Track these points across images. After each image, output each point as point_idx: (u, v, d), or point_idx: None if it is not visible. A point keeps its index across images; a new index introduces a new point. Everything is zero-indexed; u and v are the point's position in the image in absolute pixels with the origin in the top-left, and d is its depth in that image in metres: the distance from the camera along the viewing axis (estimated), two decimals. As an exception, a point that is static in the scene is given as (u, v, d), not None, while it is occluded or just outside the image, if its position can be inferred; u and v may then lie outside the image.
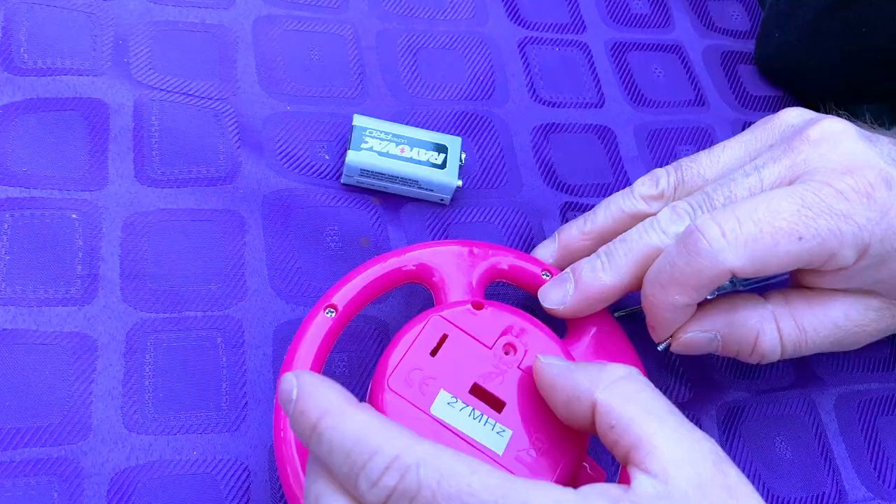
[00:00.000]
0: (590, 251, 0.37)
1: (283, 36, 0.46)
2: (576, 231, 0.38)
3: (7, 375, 0.34)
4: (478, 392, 0.31)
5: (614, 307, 0.37)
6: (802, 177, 0.33)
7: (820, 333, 0.35)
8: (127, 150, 0.40)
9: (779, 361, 0.42)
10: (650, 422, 0.26)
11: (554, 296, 0.36)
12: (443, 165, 0.41)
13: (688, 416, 0.30)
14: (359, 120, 0.42)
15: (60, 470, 0.33)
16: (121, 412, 0.34)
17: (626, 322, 0.38)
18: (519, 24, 0.50)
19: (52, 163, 0.39)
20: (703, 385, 0.41)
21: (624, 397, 0.27)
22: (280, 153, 0.42)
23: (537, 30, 0.51)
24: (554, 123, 0.47)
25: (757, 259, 0.31)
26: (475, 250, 0.37)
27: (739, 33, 0.54)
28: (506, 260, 0.37)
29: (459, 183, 0.41)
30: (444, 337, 0.32)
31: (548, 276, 0.37)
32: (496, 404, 0.31)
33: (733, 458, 0.39)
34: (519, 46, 0.49)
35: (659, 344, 0.36)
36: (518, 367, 0.32)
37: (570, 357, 0.32)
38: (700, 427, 0.39)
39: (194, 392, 0.35)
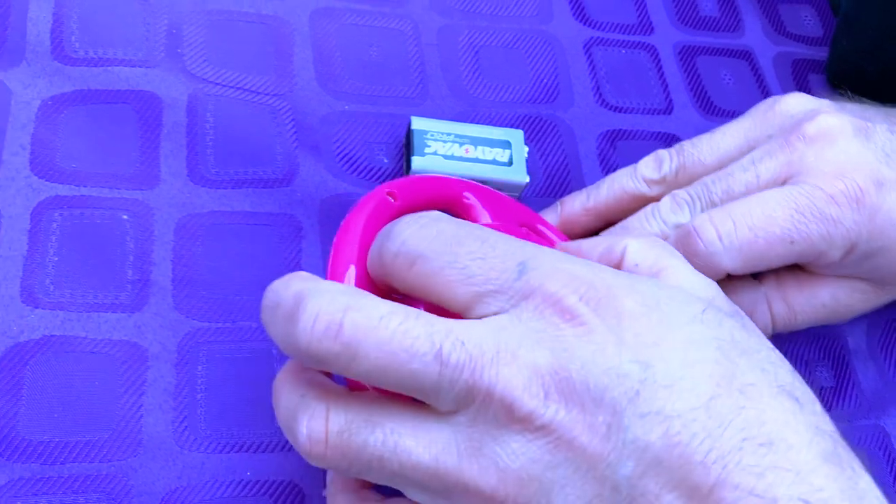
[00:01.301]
0: (590, 226, 0.38)
1: (341, 30, 0.44)
2: (578, 205, 0.39)
3: (56, 385, 0.32)
4: None
5: None
6: (796, 177, 0.34)
7: (808, 313, 0.36)
8: (180, 147, 0.38)
9: (852, 392, 0.40)
10: (675, 259, 0.29)
11: None
12: (510, 163, 0.40)
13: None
14: (417, 123, 0.40)
15: (110, 487, 0.31)
16: (172, 427, 0.32)
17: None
18: (584, 24, 0.48)
19: (103, 159, 0.37)
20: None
21: (653, 243, 0.30)
22: (338, 155, 0.40)
23: (603, 30, 0.48)
24: (621, 130, 0.45)
25: (749, 262, 0.33)
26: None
27: (812, 39, 0.52)
28: (536, 221, 0.38)
29: (528, 179, 0.40)
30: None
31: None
32: None
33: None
34: (584, 47, 0.47)
35: None
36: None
37: None
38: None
39: (248, 408, 0.34)
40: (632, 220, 0.36)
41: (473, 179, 0.39)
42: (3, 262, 0.34)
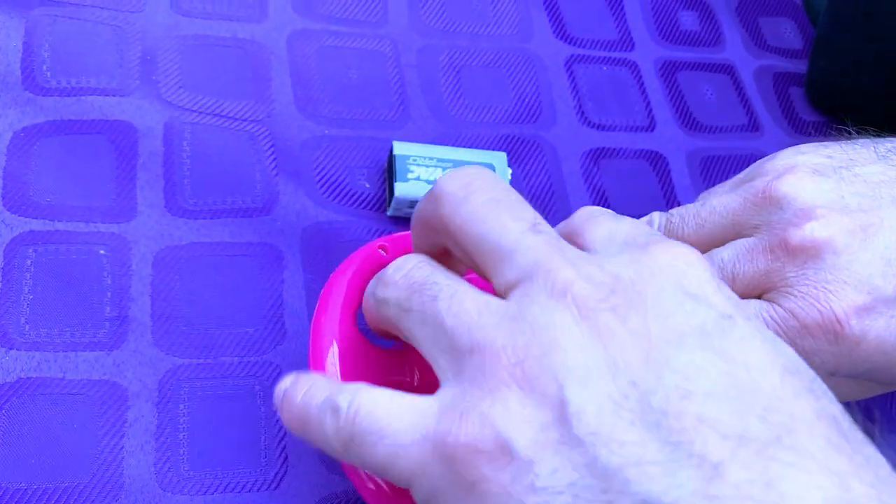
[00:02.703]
0: None
1: (320, 52, 0.43)
2: None
3: (32, 429, 0.31)
4: None
5: None
6: (773, 291, 0.31)
7: None
8: (157, 177, 0.37)
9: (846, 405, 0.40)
10: None
11: None
12: None
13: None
14: (399, 147, 0.39)
15: (90, 534, 0.30)
16: (154, 469, 0.32)
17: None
18: (565, 41, 0.48)
19: (77, 192, 0.36)
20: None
21: None
22: (319, 181, 0.39)
23: (584, 47, 0.48)
24: (604, 148, 0.44)
25: None
26: None
27: (792, 52, 0.52)
28: None
29: None
30: None
31: None
32: None
33: None
34: (566, 65, 0.47)
35: None
36: None
37: None
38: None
39: (231, 447, 0.33)
40: None
41: (457, 204, 0.39)
42: (-25, 302, 0.33)
